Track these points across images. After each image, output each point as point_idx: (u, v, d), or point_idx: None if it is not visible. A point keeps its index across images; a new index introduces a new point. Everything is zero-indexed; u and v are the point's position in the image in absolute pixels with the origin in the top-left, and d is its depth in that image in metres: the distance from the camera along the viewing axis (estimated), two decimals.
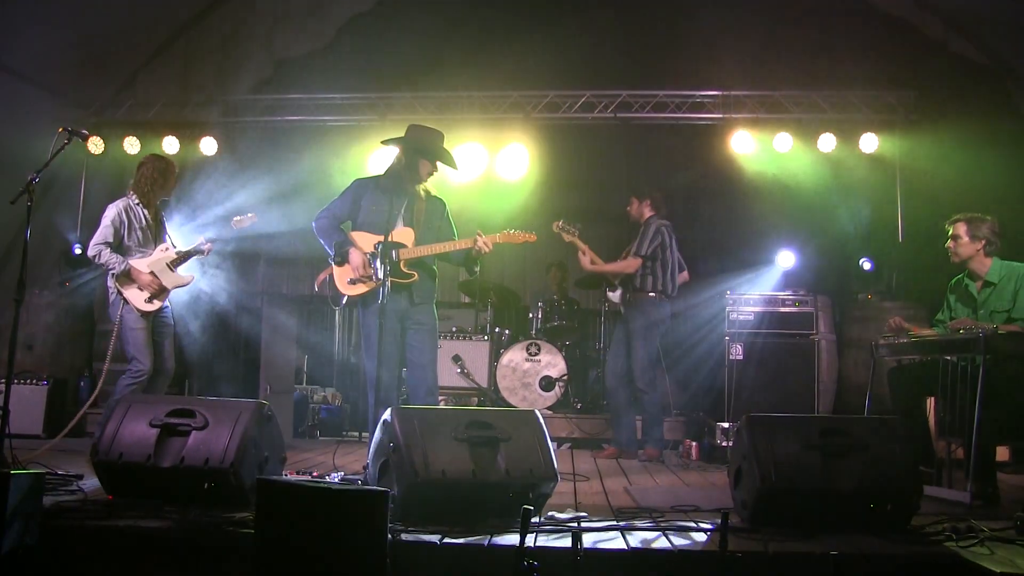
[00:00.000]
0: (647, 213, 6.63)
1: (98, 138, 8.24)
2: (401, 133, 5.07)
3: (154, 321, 5.66)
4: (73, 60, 7.67)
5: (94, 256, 5.57)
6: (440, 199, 5.19)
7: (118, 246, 5.61)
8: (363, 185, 5.11)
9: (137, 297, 5.56)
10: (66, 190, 8.42)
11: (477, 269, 5.20)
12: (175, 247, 5.77)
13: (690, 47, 8.32)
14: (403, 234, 4.90)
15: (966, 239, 4.97)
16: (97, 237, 5.61)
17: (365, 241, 4.97)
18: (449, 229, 5.12)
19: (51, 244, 8.23)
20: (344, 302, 4.99)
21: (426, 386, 4.93)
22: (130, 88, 8.74)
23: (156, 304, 5.61)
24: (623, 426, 6.55)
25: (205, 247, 5.74)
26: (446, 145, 5.12)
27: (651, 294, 6.43)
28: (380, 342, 4.50)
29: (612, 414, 6.69)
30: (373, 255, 4.90)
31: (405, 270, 4.87)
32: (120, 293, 5.54)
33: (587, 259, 6.50)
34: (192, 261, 5.80)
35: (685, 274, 6.69)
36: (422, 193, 5.06)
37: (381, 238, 4.69)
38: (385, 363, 4.65)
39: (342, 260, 4.92)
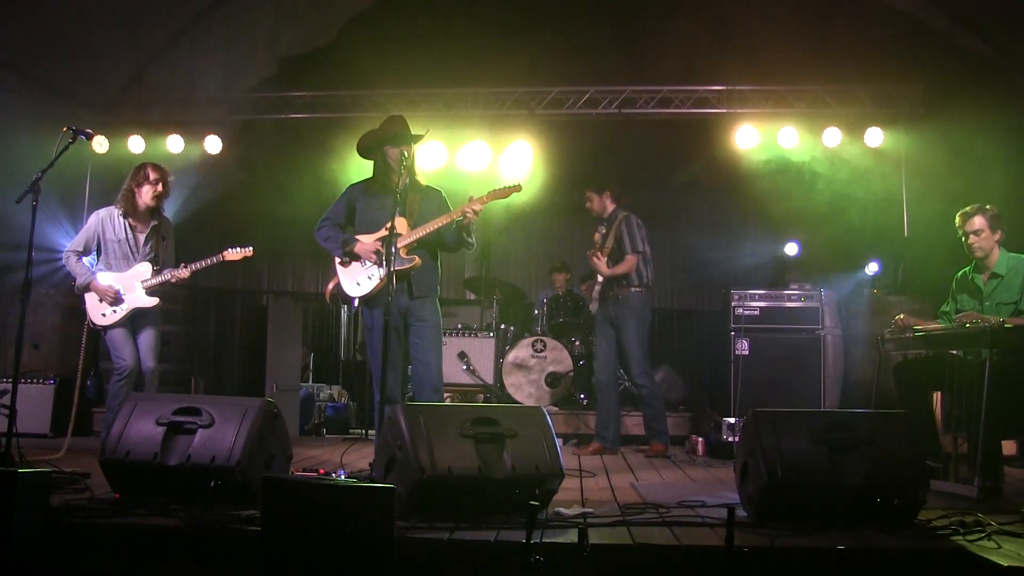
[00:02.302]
0: (610, 206, 6.61)
1: (103, 137, 8.25)
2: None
3: (133, 315, 5.60)
4: (77, 59, 7.67)
5: (63, 262, 5.62)
6: (437, 189, 5.20)
7: (87, 254, 5.63)
8: (355, 189, 5.17)
9: (94, 309, 5.54)
10: (71, 189, 8.43)
11: (471, 240, 5.01)
12: (157, 270, 5.63)
13: (694, 42, 8.29)
14: (398, 223, 4.82)
15: (988, 232, 4.92)
16: (70, 244, 5.67)
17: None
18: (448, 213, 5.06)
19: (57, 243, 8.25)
20: (357, 303, 5.06)
21: (431, 384, 4.92)
22: (134, 87, 8.75)
23: (109, 320, 5.51)
24: (611, 423, 6.54)
25: (173, 279, 5.57)
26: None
27: (637, 289, 6.41)
28: (385, 339, 4.49)
29: (600, 410, 6.67)
30: (380, 239, 4.87)
31: (405, 256, 4.86)
32: (83, 302, 5.57)
33: (603, 264, 6.47)
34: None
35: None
36: (415, 186, 5.06)
37: (379, 234, 4.81)
38: (389, 360, 4.63)
39: (350, 254, 4.97)
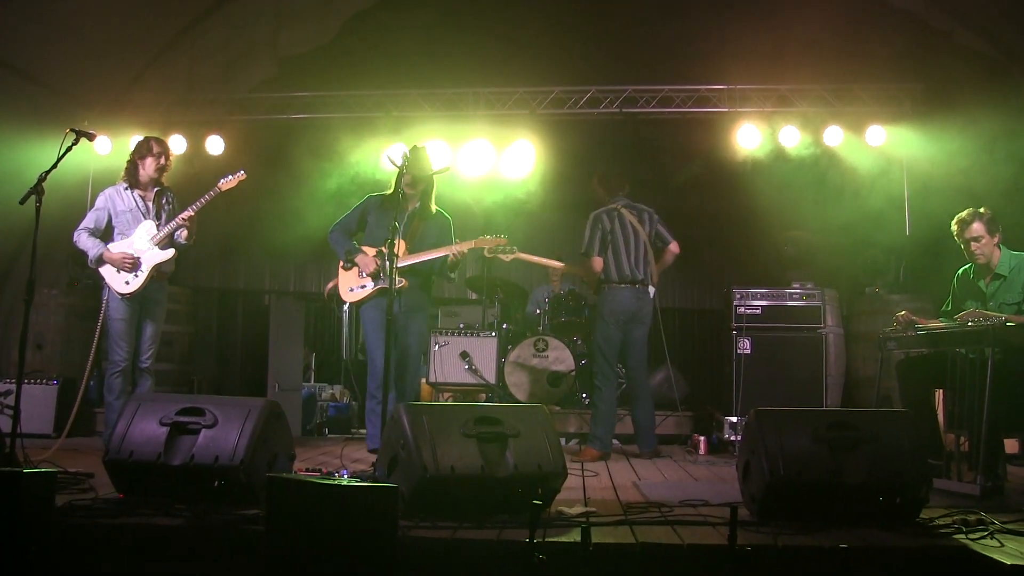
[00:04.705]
0: (601, 194, 6.54)
1: (105, 138, 8.26)
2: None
3: (143, 303, 5.62)
4: (79, 60, 7.68)
5: (75, 240, 5.60)
6: (445, 218, 5.72)
7: (105, 232, 5.62)
8: (372, 202, 5.71)
9: (115, 280, 5.53)
10: (74, 190, 8.44)
11: (453, 276, 5.76)
12: (160, 224, 5.64)
13: (696, 41, 8.29)
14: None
15: (987, 237, 4.90)
16: (81, 222, 5.66)
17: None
18: (447, 245, 5.58)
19: (60, 244, 8.25)
20: (346, 307, 5.67)
21: (408, 376, 5.57)
22: (136, 87, 8.75)
23: (135, 285, 5.51)
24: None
25: (182, 229, 5.55)
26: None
27: (605, 285, 6.29)
28: (387, 340, 4.68)
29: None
30: (380, 253, 5.47)
31: (397, 278, 5.12)
32: (102, 278, 5.56)
33: (554, 263, 6.78)
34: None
35: (672, 246, 6.47)
36: (425, 213, 5.56)
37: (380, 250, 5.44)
38: (379, 357, 5.30)
39: (352, 262, 5.57)
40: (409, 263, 5.45)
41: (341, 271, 5.66)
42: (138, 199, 5.69)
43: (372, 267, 5.49)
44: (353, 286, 5.61)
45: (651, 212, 6.51)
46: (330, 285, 5.84)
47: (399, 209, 5.24)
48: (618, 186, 6.52)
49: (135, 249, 5.55)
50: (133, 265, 5.51)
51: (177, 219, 5.56)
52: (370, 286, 5.55)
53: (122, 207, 5.65)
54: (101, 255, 5.52)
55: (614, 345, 6.34)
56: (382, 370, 5.05)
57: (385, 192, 5.69)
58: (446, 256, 5.53)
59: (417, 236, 5.56)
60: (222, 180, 5.63)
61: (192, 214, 5.54)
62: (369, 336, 5.63)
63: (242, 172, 5.69)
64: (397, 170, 5.18)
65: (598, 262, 6.26)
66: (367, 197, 5.78)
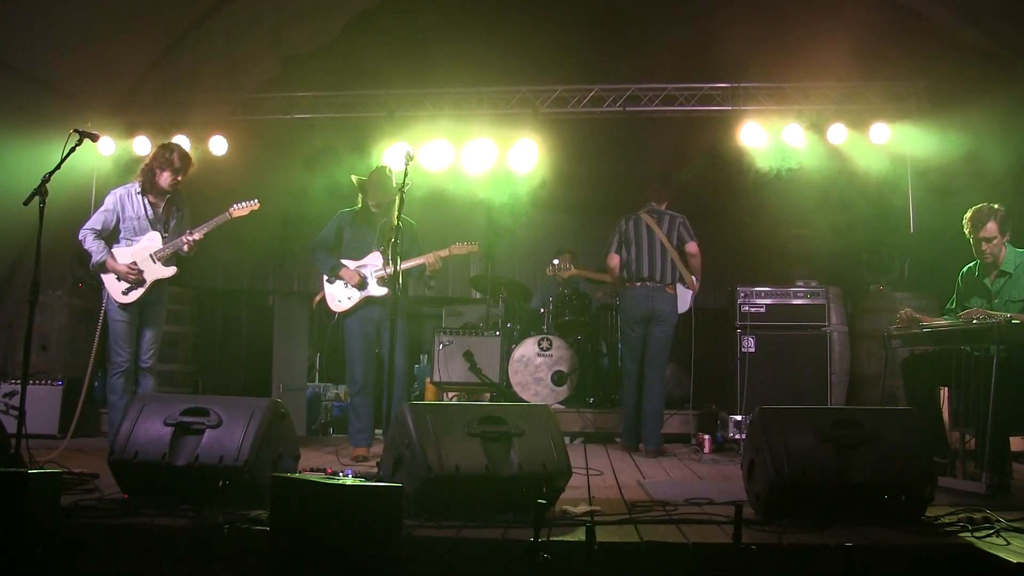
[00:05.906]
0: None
1: (108, 138, 8.26)
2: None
3: (142, 306, 5.61)
4: (82, 60, 7.69)
5: (80, 240, 5.56)
6: (411, 224, 6.03)
7: (111, 234, 5.60)
8: (343, 218, 6.08)
9: (115, 287, 5.52)
10: (78, 191, 8.44)
11: (432, 284, 6.40)
12: (167, 238, 5.63)
13: (699, 39, 8.27)
14: (374, 258, 5.93)
15: (999, 237, 4.88)
16: (87, 222, 5.62)
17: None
18: (416, 250, 5.94)
19: (64, 245, 8.25)
20: (335, 320, 6.06)
21: (397, 378, 5.63)
22: (139, 88, 8.75)
23: (133, 296, 5.51)
24: (628, 421, 6.70)
25: (184, 246, 5.55)
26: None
27: (622, 285, 6.62)
28: (392, 336, 5.15)
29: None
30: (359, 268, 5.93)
31: (379, 287, 5.87)
32: (102, 282, 5.54)
33: (604, 276, 6.96)
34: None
35: (687, 246, 6.63)
36: (393, 224, 5.50)
37: (359, 263, 5.92)
38: (367, 358, 5.88)
39: (335, 278, 5.93)
40: (388, 272, 5.74)
41: (326, 284, 5.98)
42: (148, 207, 5.62)
43: (356, 280, 5.85)
44: (340, 298, 5.93)
45: (675, 216, 6.70)
46: (317, 298, 6.25)
47: (371, 224, 5.90)
48: (652, 196, 6.80)
49: (139, 260, 5.53)
50: (138, 280, 5.51)
51: (183, 237, 5.54)
52: (356, 296, 5.89)
53: (131, 212, 5.60)
54: (104, 262, 5.49)
55: (630, 341, 6.64)
56: (361, 379, 5.85)
57: (355, 207, 6.09)
58: (423, 265, 5.89)
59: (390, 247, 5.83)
60: (235, 206, 5.68)
61: (200, 237, 5.55)
62: (350, 347, 5.95)
63: (255, 201, 5.74)
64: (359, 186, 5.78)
65: (613, 259, 6.61)
66: (339, 213, 6.10)
